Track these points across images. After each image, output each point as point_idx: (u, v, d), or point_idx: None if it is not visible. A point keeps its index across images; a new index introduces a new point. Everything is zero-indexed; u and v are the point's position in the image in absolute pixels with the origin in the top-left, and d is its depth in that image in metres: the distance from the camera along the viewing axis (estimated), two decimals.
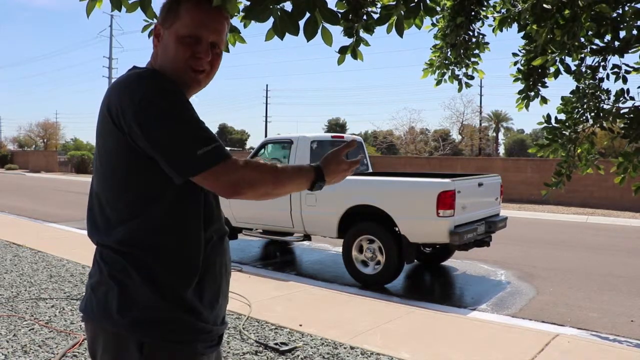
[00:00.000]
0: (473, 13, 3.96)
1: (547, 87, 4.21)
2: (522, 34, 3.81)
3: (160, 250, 1.28)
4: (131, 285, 1.26)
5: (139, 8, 2.07)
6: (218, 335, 1.41)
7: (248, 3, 1.74)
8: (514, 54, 4.21)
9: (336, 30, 2.91)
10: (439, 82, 4.37)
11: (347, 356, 3.49)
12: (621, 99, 3.94)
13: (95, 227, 1.35)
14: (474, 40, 4.11)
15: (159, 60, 1.37)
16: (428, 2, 2.38)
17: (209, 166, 1.23)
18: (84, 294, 1.32)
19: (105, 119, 1.29)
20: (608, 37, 3.62)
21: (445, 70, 4.30)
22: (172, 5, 1.35)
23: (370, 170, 7.98)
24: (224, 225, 1.47)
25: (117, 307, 1.26)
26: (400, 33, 2.39)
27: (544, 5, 3.29)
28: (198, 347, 1.32)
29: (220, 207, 1.45)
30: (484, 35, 4.17)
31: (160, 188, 1.28)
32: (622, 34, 3.49)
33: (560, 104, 4.22)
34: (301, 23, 1.80)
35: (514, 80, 4.25)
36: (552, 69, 4.01)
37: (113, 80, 1.43)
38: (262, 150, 7.48)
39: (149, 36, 2.36)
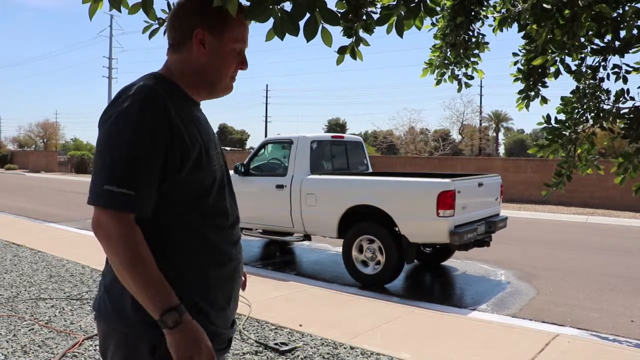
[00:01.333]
0: (473, 13, 3.96)
1: (547, 87, 4.20)
2: (522, 33, 3.81)
3: (172, 254, 1.30)
4: None
5: (140, 10, 2.06)
6: (228, 338, 1.42)
7: (248, 3, 1.74)
8: (514, 54, 4.20)
9: (336, 30, 2.91)
10: (438, 82, 4.37)
11: (347, 356, 3.49)
12: (621, 99, 3.94)
13: None
14: (473, 40, 4.11)
15: (197, 66, 1.38)
16: (428, 2, 2.39)
17: (102, 205, 1.20)
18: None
19: None
20: (608, 37, 3.62)
21: (445, 70, 4.29)
22: (223, 15, 1.37)
23: (370, 170, 7.99)
24: (239, 230, 1.49)
25: (131, 308, 1.27)
26: (400, 33, 2.39)
27: (544, 5, 3.29)
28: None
29: (236, 211, 1.47)
30: (483, 35, 4.17)
31: (170, 194, 1.29)
32: (622, 33, 3.49)
33: (560, 104, 4.22)
34: (301, 23, 1.80)
35: (514, 80, 4.25)
36: (552, 69, 4.01)
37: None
38: (262, 150, 7.48)
39: (149, 37, 2.36)
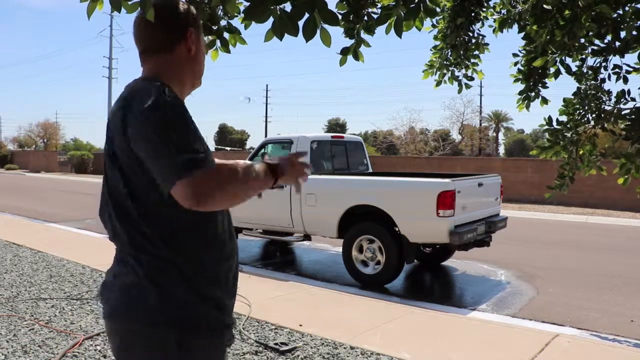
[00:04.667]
0: (473, 14, 3.97)
1: (547, 87, 4.21)
2: (522, 34, 3.81)
3: (190, 253, 1.36)
4: (167, 286, 1.33)
5: (139, 9, 2.06)
6: (233, 328, 1.51)
7: (248, 4, 1.74)
8: (514, 55, 4.21)
9: (337, 32, 2.91)
10: (439, 83, 4.37)
11: (347, 356, 3.49)
12: (622, 100, 3.94)
13: (125, 229, 1.38)
14: (473, 41, 4.11)
15: (186, 65, 1.50)
16: (428, 2, 2.39)
17: (190, 173, 1.25)
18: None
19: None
20: (608, 38, 3.62)
21: (445, 71, 4.30)
22: (197, 14, 1.52)
23: (370, 170, 7.99)
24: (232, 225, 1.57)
25: (154, 307, 1.31)
26: (399, 34, 2.39)
27: (544, 6, 3.30)
28: (225, 339, 1.43)
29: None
30: (483, 36, 4.17)
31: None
32: (623, 34, 3.49)
33: (562, 106, 4.22)
34: (300, 24, 1.80)
35: (515, 81, 4.25)
36: (552, 70, 4.01)
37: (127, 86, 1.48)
38: (262, 150, 7.48)
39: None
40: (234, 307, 1.52)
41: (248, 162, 1.41)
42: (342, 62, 2.83)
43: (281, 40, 1.84)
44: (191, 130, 1.31)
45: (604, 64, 3.86)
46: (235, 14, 2.72)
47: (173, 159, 1.24)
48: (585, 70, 3.95)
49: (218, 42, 2.77)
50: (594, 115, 4.08)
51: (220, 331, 1.41)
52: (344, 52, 2.79)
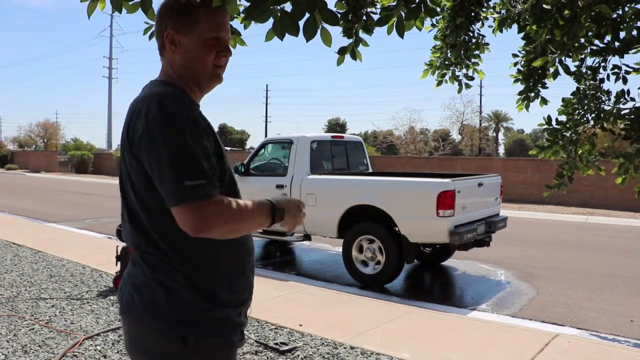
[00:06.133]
0: (473, 14, 3.97)
1: (547, 88, 4.21)
2: (522, 34, 3.81)
3: (195, 255, 1.37)
4: (175, 288, 1.36)
5: (139, 9, 2.06)
6: (244, 329, 1.52)
7: (248, 4, 1.74)
8: (514, 55, 4.21)
9: (335, 31, 2.91)
10: (439, 83, 4.37)
11: (347, 356, 3.49)
12: (622, 100, 3.94)
13: (135, 232, 1.40)
14: (473, 41, 4.12)
15: (178, 65, 1.43)
16: (428, 2, 2.39)
17: (188, 201, 1.25)
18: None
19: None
20: (608, 38, 3.62)
21: (445, 71, 4.30)
22: (189, 11, 1.41)
23: (370, 170, 7.99)
24: None
25: (163, 305, 1.35)
26: (400, 34, 2.40)
27: (544, 6, 3.30)
28: (234, 339, 1.44)
29: None
30: (483, 36, 4.17)
31: None
32: (622, 34, 3.49)
33: (561, 106, 4.22)
34: (301, 23, 1.80)
35: (514, 81, 4.25)
36: (551, 70, 4.02)
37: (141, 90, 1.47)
38: (262, 150, 7.49)
39: (149, 38, 2.36)
40: (247, 308, 1.52)
41: (254, 201, 1.41)
42: (340, 61, 2.83)
43: (282, 40, 1.84)
44: (196, 144, 1.28)
45: (603, 64, 3.86)
46: (235, 15, 2.72)
47: (175, 182, 1.25)
48: (584, 71, 3.95)
49: None
50: (593, 115, 4.09)
51: (228, 331, 1.42)
52: (342, 51, 2.79)
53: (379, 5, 2.76)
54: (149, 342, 1.38)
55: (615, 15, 3.42)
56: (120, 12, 2.02)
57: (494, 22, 4.00)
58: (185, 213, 1.25)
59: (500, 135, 51.04)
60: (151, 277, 1.37)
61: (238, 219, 1.33)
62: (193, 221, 1.25)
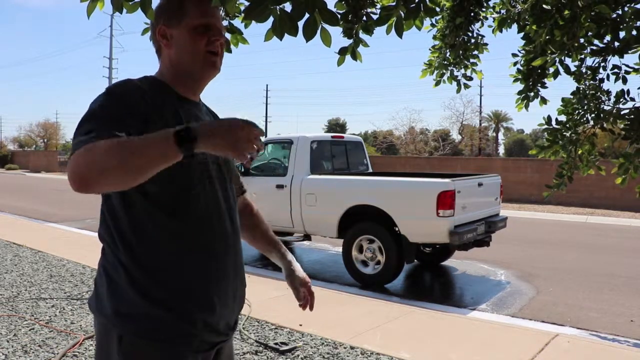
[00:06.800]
0: (472, 14, 3.97)
1: (546, 87, 4.21)
2: (521, 34, 3.82)
3: (149, 252, 1.32)
4: (117, 280, 1.32)
5: (139, 9, 2.07)
6: (210, 341, 1.39)
7: (248, 4, 1.74)
8: (514, 55, 4.21)
9: (335, 31, 2.91)
10: (437, 83, 4.37)
11: (347, 356, 3.49)
12: (621, 99, 3.94)
13: (100, 222, 1.42)
14: (473, 41, 4.12)
15: (174, 59, 1.44)
16: (428, 2, 2.39)
17: (70, 156, 1.14)
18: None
19: None
20: (608, 38, 3.62)
21: (444, 71, 4.30)
22: (177, 5, 1.43)
23: (370, 170, 7.99)
24: (228, 225, 1.42)
25: (106, 298, 1.33)
26: (399, 34, 2.40)
27: (544, 6, 3.30)
28: (179, 348, 1.32)
29: (223, 205, 1.42)
30: (483, 36, 4.17)
31: (134, 194, 1.30)
32: (622, 34, 3.49)
33: (561, 106, 4.22)
34: (300, 24, 1.81)
35: (514, 81, 4.25)
36: (551, 70, 4.02)
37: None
38: (262, 150, 7.47)
39: (150, 38, 2.36)
40: (222, 320, 1.41)
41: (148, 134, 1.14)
42: (340, 62, 2.83)
43: (281, 40, 1.84)
44: (107, 112, 1.23)
45: (602, 64, 3.86)
46: (236, 14, 2.72)
47: (72, 143, 1.21)
48: (584, 70, 3.95)
49: None
50: (593, 115, 4.09)
51: (172, 337, 1.31)
52: (342, 52, 2.80)
53: (379, 6, 2.76)
54: (97, 336, 1.39)
55: (615, 15, 3.42)
56: (120, 12, 2.03)
57: (493, 22, 3.99)
58: (67, 172, 1.12)
59: (500, 135, 51.05)
60: (102, 269, 1.36)
61: (116, 152, 1.07)
62: (68, 174, 1.10)
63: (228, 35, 2.80)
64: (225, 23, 2.77)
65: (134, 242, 1.31)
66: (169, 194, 1.32)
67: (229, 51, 2.81)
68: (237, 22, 2.83)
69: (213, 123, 1.18)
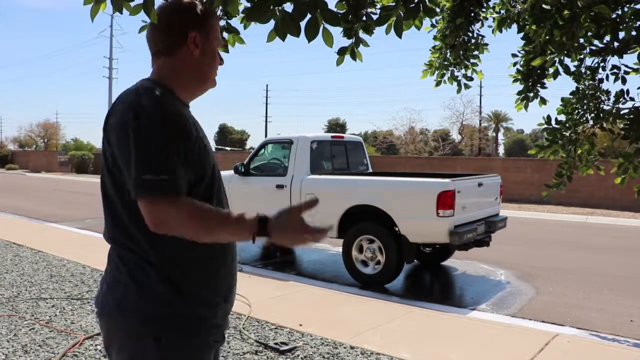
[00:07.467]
0: (472, 14, 3.97)
1: (546, 87, 4.22)
2: (521, 34, 3.82)
3: (173, 251, 1.35)
4: (147, 282, 1.34)
5: (142, 11, 2.06)
6: (225, 330, 1.50)
7: (248, 4, 1.75)
8: (514, 55, 4.22)
9: (335, 31, 2.91)
10: (438, 83, 4.38)
11: (347, 356, 3.50)
12: (621, 99, 3.94)
13: (111, 226, 1.41)
14: (473, 41, 4.12)
15: (195, 67, 1.47)
16: (427, 3, 2.39)
17: (146, 194, 1.26)
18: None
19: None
20: (607, 38, 3.62)
21: (444, 71, 4.31)
22: (205, 15, 1.48)
23: (370, 170, 7.99)
24: None
25: (136, 304, 1.34)
26: (399, 34, 2.40)
27: (543, 6, 3.30)
28: (209, 340, 1.42)
29: (227, 205, 1.53)
30: (483, 36, 4.18)
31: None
32: (622, 34, 3.50)
33: (560, 105, 4.23)
34: (302, 24, 1.81)
35: (513, 81, 4.26)
36: (551, 70, 4.02)
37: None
38: (262, 150, 7.49)
39: (150, 39, 2.36)
40: (225, 310, 1.49)
41: (232, 213, 1.33)
42: (339, 61, 2.83)
43: (283, 40, 1.84)
44: (167, 142, 1.28)
45: (602, 64, 3.87)
46: (235, 15, 2.72)
47: (137, 175, 1.26)
48: (583, 70, 3.96)
49: None
50: (592, 115, 4.09)
51: (206, 331, 1.40)
52: (342, 52, 2.80)
53: (378, 6, 2.76)
54: (125, 342, 1.37)
55: (614, 16, 3.43)
56: (121, 13, 2.03)
57: (493, 22, 4.00)
58: (142, 206, 1.27)
59: (500, 135, 51.06)
60: (126, 273, 1.36)
61: (198, 222, 1.28)
62: (147, 215, 1.26)
63: (225, 35, 2.80)
64: (222, 23, 2.77)
65: (165, 242, 1.33)
66: (199, 195, 1.38)
67: (227, 51, 2.81)
68: (235, 22, 2.83)
69: (285, 223, 1.31)
